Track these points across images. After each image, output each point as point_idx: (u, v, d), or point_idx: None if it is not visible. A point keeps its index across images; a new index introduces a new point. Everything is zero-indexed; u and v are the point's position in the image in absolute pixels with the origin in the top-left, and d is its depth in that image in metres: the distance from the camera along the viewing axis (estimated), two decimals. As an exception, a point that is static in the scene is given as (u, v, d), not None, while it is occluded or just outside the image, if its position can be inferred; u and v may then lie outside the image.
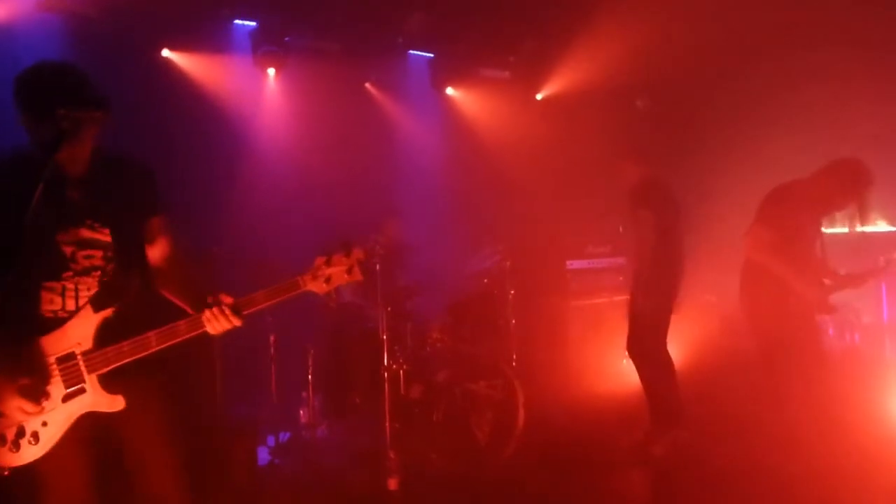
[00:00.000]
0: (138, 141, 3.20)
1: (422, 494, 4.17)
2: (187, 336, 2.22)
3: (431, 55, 7.10)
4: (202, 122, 5.65)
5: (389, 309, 4.58)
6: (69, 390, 2.16)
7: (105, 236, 2.23)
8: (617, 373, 6.42)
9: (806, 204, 4.06)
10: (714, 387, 5.61)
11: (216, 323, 2.21)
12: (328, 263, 2.27)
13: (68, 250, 2.19)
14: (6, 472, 2.12)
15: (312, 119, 6.14)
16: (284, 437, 4.92)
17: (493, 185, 6.90)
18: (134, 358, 2.18)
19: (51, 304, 2.19)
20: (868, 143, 5.94)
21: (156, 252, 2.41)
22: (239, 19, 5.97)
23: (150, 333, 2.19)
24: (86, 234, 2.21)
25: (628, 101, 7.64)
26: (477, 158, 7.02)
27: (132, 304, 2.28)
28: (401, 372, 4.69)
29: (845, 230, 6.65)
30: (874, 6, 5.37)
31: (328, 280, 2.26)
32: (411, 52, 6.98)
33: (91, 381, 2.18)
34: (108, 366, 2.18)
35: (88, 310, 2.19)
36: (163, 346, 2.20)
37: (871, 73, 5.72)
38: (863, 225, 4.16)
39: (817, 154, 4.21)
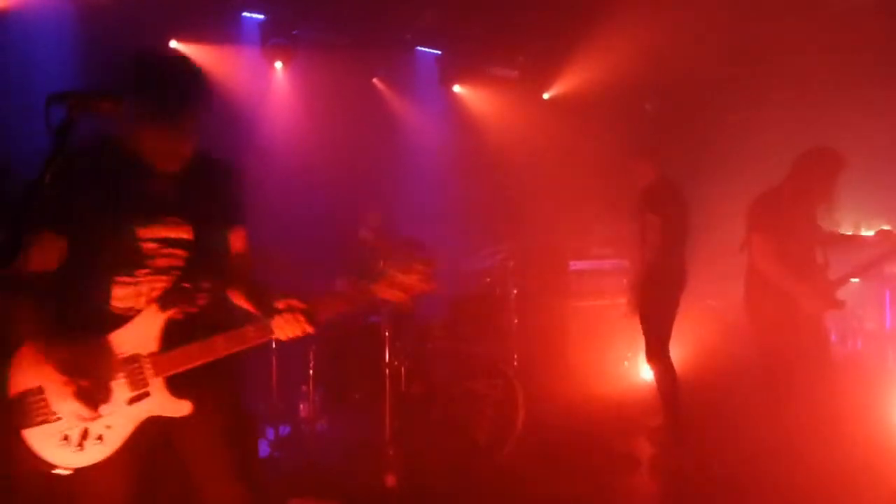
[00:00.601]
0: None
1: (419, 491, 4.17)
2: (255, 342, 2.13)
3: (439, 52, 7.10)
4: (208, 114, 5.64)
5: (392, 306, 4.58)
6: (134, 393, 2.08)
7: (188, 235, 2.15)
8: (617, 374, 6.42)
9: (793, 202, 4.06)
10: (715, 392, 5.60)
11: (287, 329, 2.10)
12: (404, 271, 2.15)
13: (150, 247, 2.10)
14: (69, 472, 2.07)
15: (319, 113, 6.14)
16: (284, 430, 4.92)
17: (499, 183, 6.90)
18: (201, 363, 2.10)
19: (121, 300, 2.09)
20: (876, 151, 5.94)
21: (232, 255, 2.32)
22: (248, 11, 5.98)
23: (218, 337, 2.11)
24: (170, 232, 2.12)
25: (637, 103, 7.62)
26: (483, 156, 7.02)
27: (201, 306, 2.19)
28: (402, 369, 4.70)
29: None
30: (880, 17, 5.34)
31: (405, 289, 2.17)
32: (419, 48, 6.98)
33: (156, 385, 2.09)
34: (174, 369, 2.09)
35: (155, 308, 2.10)
36: (230, 352, 2.12)
37: (872, 80, 5.69)
38: (832, 213, 4.14)
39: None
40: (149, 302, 2.09)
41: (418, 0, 6.20)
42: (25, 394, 2.05)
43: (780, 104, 6.30)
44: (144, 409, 2.09)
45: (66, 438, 2.04)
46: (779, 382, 4.12)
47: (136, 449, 2.10)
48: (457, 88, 7.32)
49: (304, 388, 5.03)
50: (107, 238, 2.05)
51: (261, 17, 6.01)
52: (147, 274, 2.09)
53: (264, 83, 6.11)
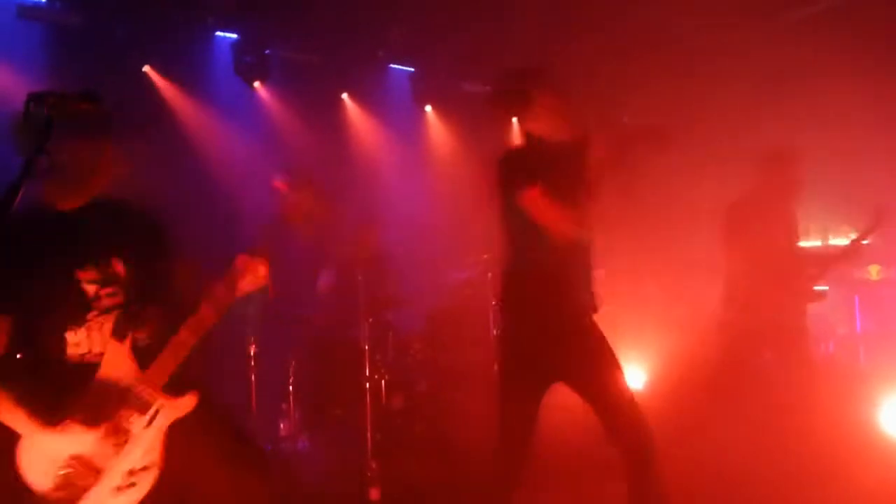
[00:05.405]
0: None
1: (403, 504, 4.16)
2: (213, 320, 2.20)
3: (412, 69, 7.17)
4: (181, 135, 5.65)
5: (371, 319, 4.59)
6: (148, 416, 2.13)
7: (120, 268, 2.21)
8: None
9: (766, 205, 4.18)
10: (691, 398, 5.64)
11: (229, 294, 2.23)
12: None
13: (91, 289, 2.15)
14: None
15: (293, 130, 6.16)
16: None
17: (476, 196, 6.94)
18: (182, 358, 2.16)
19: (76, 347, 2.14)
20: (842, 158, 6.08)
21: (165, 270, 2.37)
22: (221, 31, 6.01)
23: (182, 331, 2.17)
24: (103, 271, 2.18)
25: (614, 117, 7.70)
26: (459, 170, 7.07)
27: (153, 321, 2.26)
28: (382, 382, 4.69)
29: (818, 243, 6.77)
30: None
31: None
32: (392, 65, 7.05)
33: (161, 397, 2.15)
34: (165, 377, 2.14)
35: (114, 342, 2.16)
36: (198, 337, 2.18)
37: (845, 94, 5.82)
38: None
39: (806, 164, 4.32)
40: (103, 340, 2.15)
41: (389, 17, 6.27)
42: (61, 472, 2.06)
43: (761, 109, 6.35)
44: (163, 422, 2.15)
45: (119, 489, 2.09)
46: (754, 387, 4.20)
47: (172, 456, 2.16)
48: (428, 109, 7.38)
49: (283, 405, 4.99)
50: (49, 296, 2.09)
51: (234, 36, 6.04)
52: (95, 316, 2.15)
53: (238, 102, 6.13)
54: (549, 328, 2.70)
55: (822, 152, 6.11)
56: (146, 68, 5.62)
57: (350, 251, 4.97)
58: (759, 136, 5.93)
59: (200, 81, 5.90)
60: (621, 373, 2.78)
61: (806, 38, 5.63)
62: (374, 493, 4.10)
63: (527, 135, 2.90)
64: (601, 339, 2.76)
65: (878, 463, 4.01)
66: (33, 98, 1.58)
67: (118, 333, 2.16)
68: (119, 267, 2.20)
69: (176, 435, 2.18)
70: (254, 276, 2.27)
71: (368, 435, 4.30)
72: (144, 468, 2.12)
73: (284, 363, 4.95)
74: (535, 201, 2.64)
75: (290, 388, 4.92)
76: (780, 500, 3.74)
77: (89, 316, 2.14)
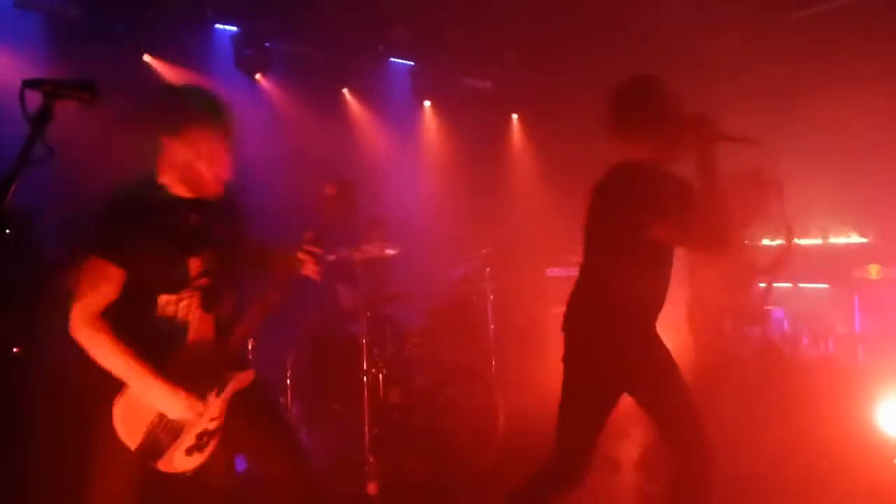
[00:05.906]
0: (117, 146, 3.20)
1: (401, 499, 4.15)
2: (280, 300, 2.42)
3: (412, 63, 7.16)
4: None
5: (369, 314, 4.57)
6: (220, 386, 2.32)
7: (219, 256, 2.37)
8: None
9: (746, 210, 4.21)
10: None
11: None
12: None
13: (194, 270, 2.31)
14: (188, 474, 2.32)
15: (293, 124, 6.14)
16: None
17: (475, 191, 6.94)
18: (251, 336, 2.46)
19: (163, 309, 2.27)
20: (843, 158, 6.06)
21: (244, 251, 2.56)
22: (220, 24, 5.99)
23: (252, 310, 2.39)
24: (210, 256, 2.35)
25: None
26: (457, 165, 7.06)
27: (230, 309, 2.44)
28: (380, 376, 4.68)
29: (818, 241, 6.76)
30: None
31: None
32: (392, 59, 7.03)
33: (231, 370, 2.36)
34: (240, 349, 2.37)
35: (202, 314, 2.33)
36: (265, 317, 2.40)
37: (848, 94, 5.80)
38: (790, 229, 4.26)
39: (806, 164, 4.32)
40: (191, 311, 2.31)
41: (390, 12, 6.26)
42: (148, 430, 2.23)
43: (768, 101, 6.32)
44: (228, 393, 2.36)
45: (189, 450, 2.28)
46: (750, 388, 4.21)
47: (231, 423, 2.37)
48: (427, 103, 7.36)
49: (281, 400, 4.99)
50: (162, 271, 2.25)
51: (234, 29, 6.02)
52: (189, 291, 2.31)
53: (238, 95, 6.10)
54: (642, 343, 2.72)
55: (823, 153, 6.12)
56: (146, 58, 5.60)
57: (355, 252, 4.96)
58: (762, 138, 5.91)
59: (200, 74, 5.87)
60: (685, 387, 2.74)
61: (809, 38, 5.61)
62: (372, 488, 4.10)
63: (637, 156, 2.69)
64: (669, 354, 2.77)
65: (876, 462, 4.01)
66: (29, 85, 1.56)
67: (206, 307, 2.33)
68: (216, 255, 2.36)
69: (235, 405, 2.36)
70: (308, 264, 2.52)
71: (366, 429, 4.29)
72: (211, 433, 2.31)
73: (282, 357, 4.94)
74: (677, 231, 2.53)
75: (288, 382, 4.91)
76: (779, 499, 3.74)
77: (185, 291, 2.29)
